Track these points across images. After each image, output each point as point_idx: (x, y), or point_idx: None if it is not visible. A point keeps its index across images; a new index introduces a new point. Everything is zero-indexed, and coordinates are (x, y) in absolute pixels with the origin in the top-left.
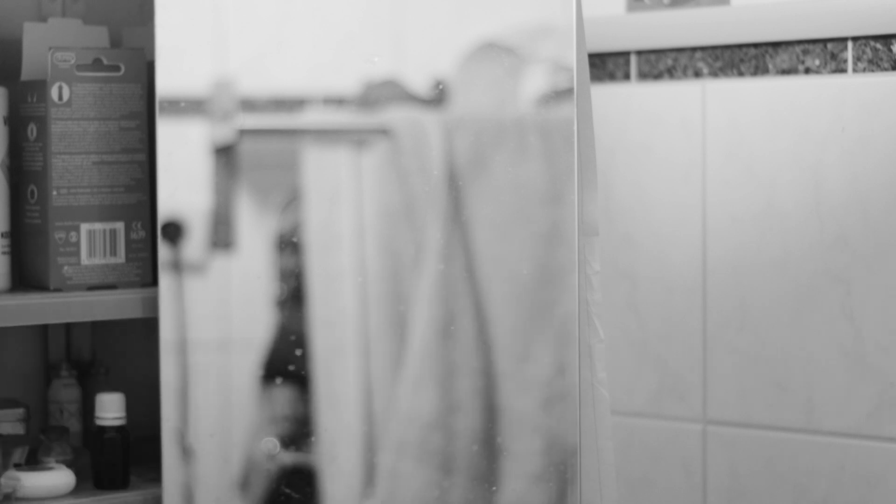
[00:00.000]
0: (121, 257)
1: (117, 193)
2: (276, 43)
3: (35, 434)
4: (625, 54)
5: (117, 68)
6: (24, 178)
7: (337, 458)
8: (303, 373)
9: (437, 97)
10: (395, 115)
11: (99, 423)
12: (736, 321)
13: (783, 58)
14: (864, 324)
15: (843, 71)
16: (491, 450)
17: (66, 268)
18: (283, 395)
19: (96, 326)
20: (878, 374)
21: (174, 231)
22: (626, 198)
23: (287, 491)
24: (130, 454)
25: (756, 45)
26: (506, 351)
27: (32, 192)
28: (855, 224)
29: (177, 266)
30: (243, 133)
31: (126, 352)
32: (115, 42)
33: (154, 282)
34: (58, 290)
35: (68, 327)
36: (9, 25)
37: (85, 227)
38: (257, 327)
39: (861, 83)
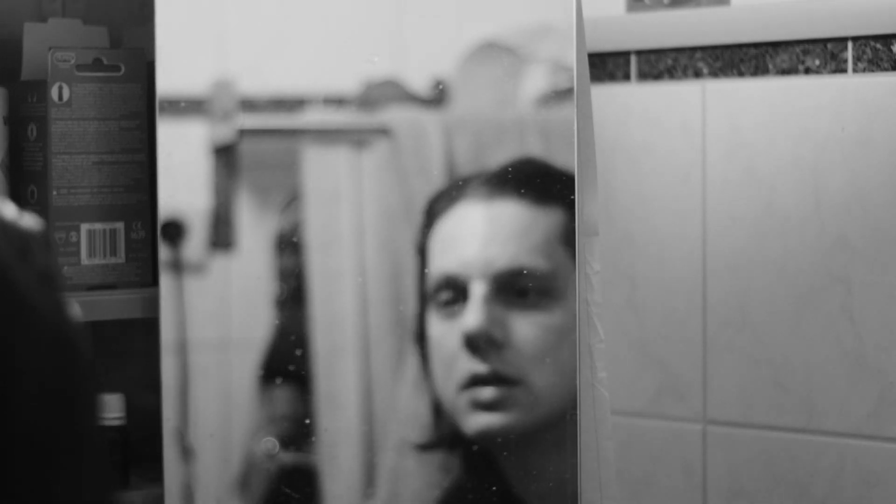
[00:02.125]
0: (121, 257)
1: (117, 193)
2: (276, 43)
3: None
4: (625, 54)
5: (117, 68)
6: (24, 178)
7: (337, 458)
8: (303, 373)
9: (437, 97)
10: (395, 115)
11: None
12: (736, 321)
13: (783, 58)
14: (864, 324)
15: (843, 71)
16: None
17: (66, 268)
18: (282, 395)
19: (96, 326)
20: (878, 374)
21: (174, 231)
22: (626, 198)
23: (287, 491)
24: (130, 454)
25: (756, 45)
26: None
27: (32, 192)
28: (855, 224)
29: (177, 266)
30: (243, 133)
31: (126, 352)
32: (115, 42)
33: (154, 282)
34: None
35: None
36: (9, 25)
37: (85, 227)
38: (257, 327)
39: (861, 83)
